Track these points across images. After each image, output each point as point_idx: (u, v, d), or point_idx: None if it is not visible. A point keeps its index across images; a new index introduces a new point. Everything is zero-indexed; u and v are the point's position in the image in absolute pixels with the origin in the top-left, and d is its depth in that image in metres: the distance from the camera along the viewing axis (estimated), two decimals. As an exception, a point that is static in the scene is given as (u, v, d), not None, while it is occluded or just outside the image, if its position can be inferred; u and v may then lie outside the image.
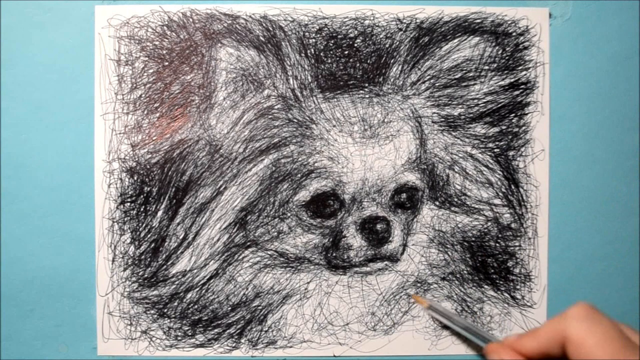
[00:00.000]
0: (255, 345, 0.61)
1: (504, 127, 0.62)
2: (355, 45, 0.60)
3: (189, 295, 0.60)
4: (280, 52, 0.59)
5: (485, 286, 0.62)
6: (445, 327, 0.59)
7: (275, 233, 0.60)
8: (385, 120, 0.60)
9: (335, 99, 0.60)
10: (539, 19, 0.62)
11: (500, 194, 0.62)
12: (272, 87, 0.59)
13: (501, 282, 0.62)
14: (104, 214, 0.60)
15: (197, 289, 0.60)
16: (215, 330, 0.60)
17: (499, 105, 0.62)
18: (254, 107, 0.59)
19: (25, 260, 0.60)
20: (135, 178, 0.60)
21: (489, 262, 0.62)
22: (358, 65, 0.60)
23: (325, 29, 0.60)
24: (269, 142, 0.59)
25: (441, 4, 0.61)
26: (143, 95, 0.60)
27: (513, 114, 0.62)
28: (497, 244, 0.62)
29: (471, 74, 0.61)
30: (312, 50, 0.60)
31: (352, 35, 0.60)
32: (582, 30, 0.62)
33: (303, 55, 0.60)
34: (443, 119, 0.61)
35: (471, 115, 0.61)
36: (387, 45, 0.60)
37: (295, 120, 0.59)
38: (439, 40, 0.61)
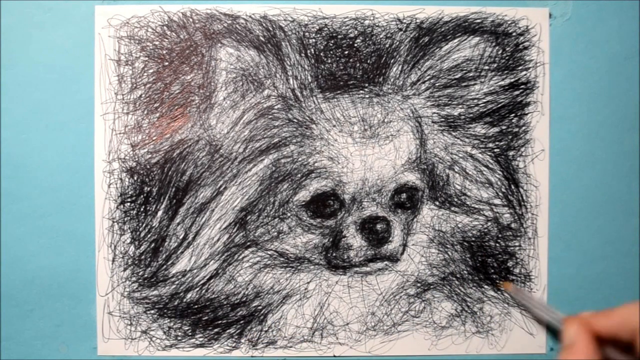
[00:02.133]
0: (255, 345, 0.61)
1: (504, 127, 0.62)
2: (355, 45, 0.60)
3: (189, 295, 0.60)
4: (280, 52, 0.59)
5: (485, 286, 0.62)
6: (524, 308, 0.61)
7: (275, 233, 0.60)
8: (385, 120, 0.60)
9: (335, 99, 0.60)
10: (539, 19, 0.62)
11: (500, 194, 0.62)
12: (272, 87, 0.59)
13: (501, 282, 0.62)
14: (104, 214, 0.60)
15: (197, 289, 0.60)
16: (215, 330, 0.60)
17: (499, 105, 0.62)
18: (254, 107, 0.59)
19: (25, 260, 0.60)
20: (135, 178, 0.60)
21: (489, 262, 0.62)
22: (358, 65, 0.60)
23: (325, 29, 0.60)
24: (269, 142, 0.59)
25: (441, 4, 0.61)
26: (143, 95, 0.60)
27: (513, 114, 0.62)
28: (497, 244, 0.62)
29: (471, 74, 0.61)
30: (312, 50, 0.60)
31: (352, 35, 0.60)
32: (582, 30, 0.62)
33: (303, 55, 0.60)
34: (443, 119, 0.61)
35: (471, 115, 0.61)
36: (387, 45, 0.60)
37: (295, 120, 0.59)
38: (439, 40, 0.61)
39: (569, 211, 0.63)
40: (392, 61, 0.60)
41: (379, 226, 0.59)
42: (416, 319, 0.62)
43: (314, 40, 0.60)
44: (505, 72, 0.61)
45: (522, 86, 0.62)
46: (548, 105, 0.62)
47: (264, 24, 0.60)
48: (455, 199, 0.61)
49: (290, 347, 0.61)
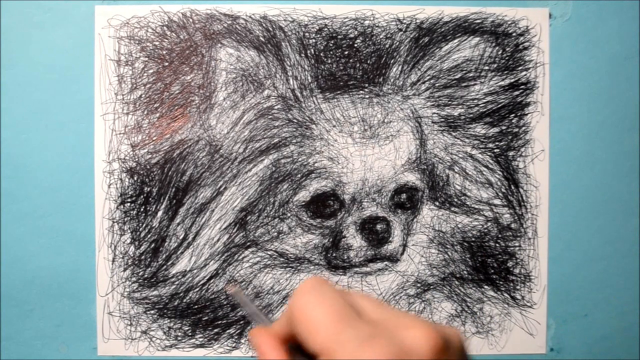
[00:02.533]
0: (255, 346, 0.60)
1: (504, 128, 0.62)
2: (355, 45, 0.60)
3: (189, 295, 0.60)
4: (280, 52, 0.59)
5: (486, 286, 0.62)
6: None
7: (275, 233, 0.60)
8: (385, 120, 0.60)
9: (335, 99, 0.60)
10: (539, 19, 0.62)
11: (500, 194, 0.62)
12: (272, 88, 0.59)
13: (501, 283, 0.62)
14: (104, 214, 0.60)
15: (197, 289, 0.60)
16: (215, 330, 0.60)
17: (499, 106, 0.61)
18: (254, 107, 0.59)
19: (25, 260, 0.60)
20: (135, 178, 0.60)
21: (489, 263, 0.62)
22: (358, 65, 0.60)
23: (325, 29, 0.60)
24: (269, 142, 0.59)
25: (441, 4, 0.61)
26: (143, 96, 0.60)
27: (513, 114, 0.62)
28: (497, 244, 0.62)
29: (471, 74, 0.61)
30: (312, 50, 0.60)
31: (352, 35, 0.60)
32: (582, 30, 0.62)
33: (303, 55, 0.60)
34: (443, 119, 0.61)
35: (471, 115, 0.61)
36: (387, 46, 0.60)
37: (295, 121, 0.59)
38: (439, 41, 0.61)
39: (569, 211, 0.63)
40: (392, 61, 0.60)
41: (379, 226, 0.59)
42: (416, 319, 0.61)
43: (314, 40, 0.60)
44: (505, 72, 0.61)
45: (522, 86, 0.62)
46: (548, 105, 0.62)
47: (263, 24, 0.59)
48: (455, 199, 0.61)
49: (290, 347, 0.61)
